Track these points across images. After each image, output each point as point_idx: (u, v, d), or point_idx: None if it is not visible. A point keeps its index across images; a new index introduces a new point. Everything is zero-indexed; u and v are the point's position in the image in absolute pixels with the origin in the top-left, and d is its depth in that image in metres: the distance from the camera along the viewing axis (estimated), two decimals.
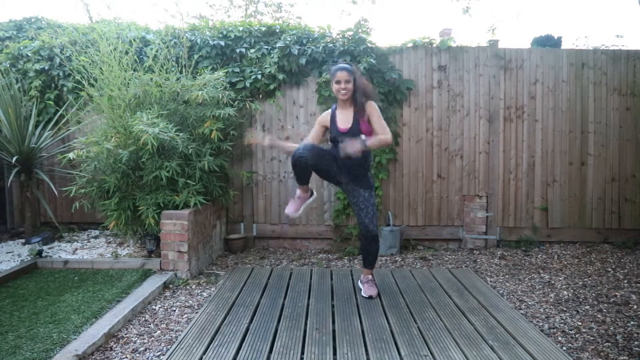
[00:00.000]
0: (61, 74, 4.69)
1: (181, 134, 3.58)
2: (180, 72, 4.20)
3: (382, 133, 2.89)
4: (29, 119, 4.50)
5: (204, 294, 3.28)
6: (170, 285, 3.43)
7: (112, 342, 2.49)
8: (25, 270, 3.54)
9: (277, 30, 4.66)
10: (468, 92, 4.61)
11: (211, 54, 4.52)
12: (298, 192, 3.07)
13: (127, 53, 3.94)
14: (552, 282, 3.55)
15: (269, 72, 4.44)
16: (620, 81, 4.58)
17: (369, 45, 4.48)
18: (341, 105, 2.95)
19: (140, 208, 3.61)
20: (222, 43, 4.51)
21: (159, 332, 2.64)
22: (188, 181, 3.68)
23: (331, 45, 4.47)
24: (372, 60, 4.33)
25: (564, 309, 2.99)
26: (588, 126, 4.61)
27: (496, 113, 4.61)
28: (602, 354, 2.35)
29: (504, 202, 4.65)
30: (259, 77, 4.47)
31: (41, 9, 15.07)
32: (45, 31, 4.98)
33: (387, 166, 4.60)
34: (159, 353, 2.37)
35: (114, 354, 2.36)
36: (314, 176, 2.99)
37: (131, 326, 2.70)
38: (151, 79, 3.84)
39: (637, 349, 2.41)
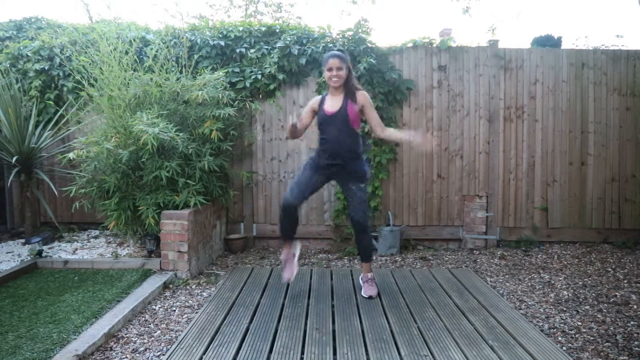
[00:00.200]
0: (61, 74, 4.69)
1: (181, 134, 3.58)
2: (180, 72, 4.20)
3: (381, 124, 3.03)
4: (29, 119, 4.50)
5: (204, 294, 3.28)
6: (170, 285, 3.43)
7: (112, 342, 2.49)
8: (25, 270, 3.54)
9: (277, 30, 4.66)
10: (468, 92, 4.61)
11: (211, 54, 4.52)
12: (284, 254, 3.20)
13: (127, 53, 3.94)
14: (552, 282, 3.55)
15: (269, 72, 4.44)
16: (620, 81, 4.58)
17: (369, 45, 4.48)
18: (332, 92, 2.99)
19: (140, 208, 3.61)
20: (222, 43, 4.51)
21: (159, 332, 2.64)
22: (188, 181, 3.68)
23: (331, 45, 4.47)
24: (372, 60, 4.33)
25: (564, 309, 2.99)
26: (588, 126, 4.61)
27: (496, 113, 4.61)
28: (602, 354, 2.35)
29: (504, 202, 4.65)
30: (259, 77, 4.47)
31: (41, 9, 15.09)
32: (45, 31, 4.98)
33: (387, 166, 4.60)
34: (159, 353, 2.37)
35: (114, 354, 2.36)
36: None
37: (131, 326, 2.70)
38: (151, 79, 3.84)
39: (637, 349, 2.41)
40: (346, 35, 4.55)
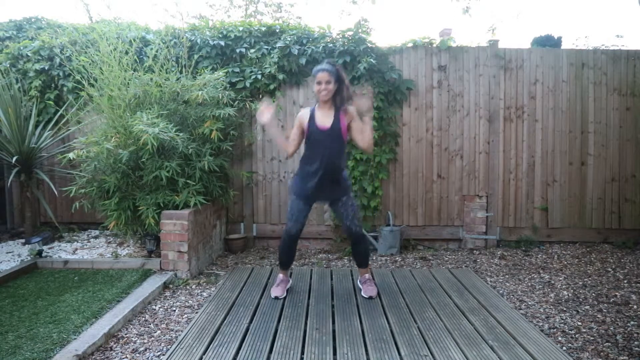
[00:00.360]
0: (61, 74, 4.69)
1: (181, 134, 3.58)
2: (180, 72, 4.21)
3: (368, 137, 2.89)
4: (29, 119, 4.50)
5: (204, 294, 3.28)
6: (170, 285, 3.43)
7: (112, 342, 2.49)
8: (25, 270, 3.54)
9: (277, 30, 4.66)
10: (468, 92, 4.61)
11: (211, 54, 4.52)
12: (280, 276, 3.24)
13: (127, 53, 3.94)
14: (552, 282, 3.55)
15: (269, 72, 4.44)
16: (620, 81, 4.58)
17: (369, 45, 4.48)
18: (321, 106, 2.94)
19: (140, 208, 3.61)
20: (222, 43, 4.51)
21: (159, 332, 2.64)
22: (188, 181, 3.68)
23: (331, 45, 4.47)
24: (372, 60, 4.33)
25: (564, 309, 2.99)
26: (588, 126, 4.61)
27: (496, 113, 4.61)
28: (602, 354, 2.35)
29: (504, 202, 4.65)
30: (259, 77, 4.47)
31: (41, 9, 15.09)
32: (45, 31, 4.98)
33: (387, 166, 4.60)
34: (159, 353, 2.37)
35: (114, 354, 2.36)
36: None
37: (131, 326, 2.70)
38: (151, 79, 3.84)
39: (637, 349, 2.41)
40: (346, 35, 4.54)
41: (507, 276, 3.72)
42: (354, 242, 3.12)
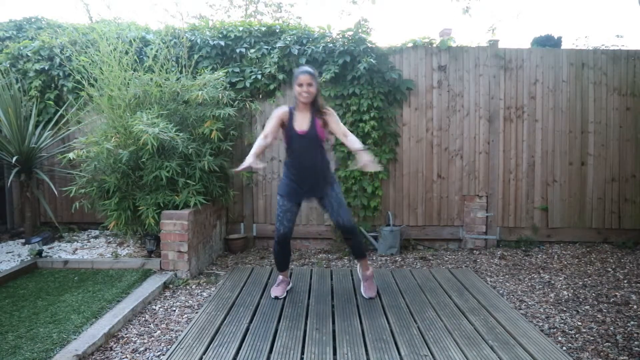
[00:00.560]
0: (61, 74, 4.69)
1: (181, 134, 3.58)
2: (180, 72, 4.21)
3: (345, 133, 2.90)
4: (29, 119, 4.50)
5: (204, 294, 3.28)
6: (170, 285, 3.43)
7: (112, 342, 2.49)
8: (25, 270, 3.54)
9: (277, 30, 4.66)
10: (468, 92, 4.61)
11: (211, 54, 4.52)
12: (280, 276, 3.23)
13: (127, 53, 3.94)
14: (552, 282, 3.55)
15: (269, 72, 4.44)
16: (620, 81, 4.58)
17: (369, 45, 4.48)
18: (299, 108, 2.94)
19: (140, 208, 3.61)
20: (222, 43, 4.51)
21: (159, 332, 2.64)
22: (188, 181, 3.68)
23: (331, 45, 4.47)
24: (372, 60, 4.33)
25: (564, 309, 2.99)
26: (588, 126, 4.61)
27: (496, 113, 4.61)
28: (602, 354, 2.35)
29: (504, 202, 4.65)
30: (259, 77, 4.47)
31: (41, 9, 15.08)
32: (45, 31, 4.98)
33: (387, 166, 4.60)
34: (159, 353, 2.37)
35: (114, 354, 2.36)
36: None
37: (131, 326, 2.70)
38: (151, 79, 3.84)
39: (637, 349, 2.41)
40: (346, 35, 4.54)
41: (507, 276, 3.72)
42: (344, 235, 3.07)
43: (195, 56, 4.42)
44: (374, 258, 4.31)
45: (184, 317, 2.86)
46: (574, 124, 4.61)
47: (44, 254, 3.88)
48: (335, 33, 4.61)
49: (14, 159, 4.25)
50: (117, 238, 4.53)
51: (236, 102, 4.37)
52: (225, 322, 2.70)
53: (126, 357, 2.32)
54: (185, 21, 8.71)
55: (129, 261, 3.68)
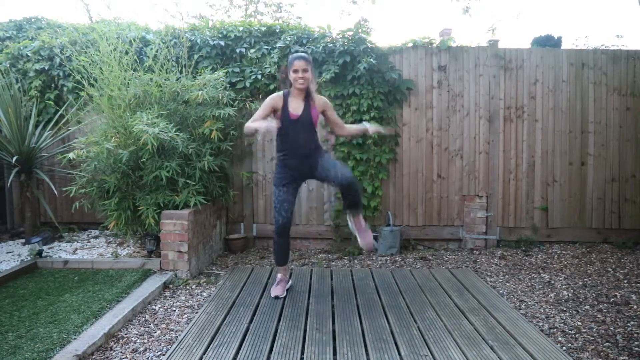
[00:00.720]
0: (61, 74, 4.69)
1: (181, 134, 3.58)
2: (180, 72, 4.21)
3: (340, 124, 3.17)
4: (29, 119, 4.50)
5: (204, 294, 3.28)
6: (170, 285, 3.43)
7: (112, 342, 2.49)
8: (25, 270, 3.54)
9: (277, 30, 4.66)
10: (468, 92, 4.61)
11: (211, 54, 4.52)
12: (280, 275, 3.23)
13: (127, 53, 3.94)
14: (552, 282, 3.55)
15: (269, 72, 4.44)
16: (620, 81, 4.58)
17: (369, 45, 4.48)
18: (294, 94, 2.95)
19: (140, 208, 3.61)
20: (222, 43, 4.51)
21: (159, 332, 2.64)
22: (188, 181, 3.68)
23: (331, 45, 4.47)
24: (372, 60, 4.33)
25: (564, 309, 2.99)
26: (588, 126, 4.61)
27: (496, 113, 4.61)
28: (602, 354, 2.35)
29: (504, 202, 4.65)
30: (259, 77, 4.47)
31: (41, 9, 15.09)
32: (45, 31, 4.98)
33: (387, 166, 4.60)
34: (159, 353, 2.37)
35: (114, 354, 2.36)
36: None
37: (131, 326, 2.70)
38: (151, 79, 3.84)
39: (637, 349, 2.41)
40: (346, 35, 4.54)
41: (507, 276, 3.72)
42: (348, 190, 2.92)
43: (195, 56, 4.42)
44: (374, 258, 4.31)
45: (184, 317, 2.86)
46: (574, 124, 4.61)
47: (44, 254, 3.88)
48: (335, 33, 4.61)
49: (14, 159, 4.25)
50: (117, 238, 4.53)
51: (236, 102, 4.37)
52: (225, 322, 2.70)
53: (126, 357, 2.32)
54: (185, 21, 8.72)
55: (129, 261, 3.68)
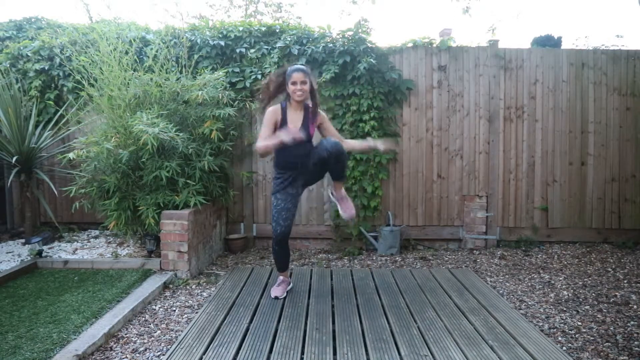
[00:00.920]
0: (61, 74, 4.69)
1: (181, 134, 3.58)
2: (180, 72, 4.21)
3: (340, 138, 3.06)
4: (29, 119, 4.50)
5: (204, 294, 3.28)
6: (170, 285, 3.43)
7: (112, 342, 2.49)
8: (25, 270, 3.54)
9: (277, 30, 4.66)
10: (468, 92, 4.61)
11: (211, 54, 4.52)
12: (281, 277, 3.23)
13: (127, 53, 3.94)
14: (552, 282, 3.55)
15: (269, 72, 4.43)
16: (620, 81, 4.58)
17: (369, 45, 4.48)
18: (293, 106, 2.95)
19: (140, 208, 3.61)
20: (222, 43, 4.51)
21: (159, 332, 2.64)
22: (188, 181, 3.68)
23: (331, 45, 4.47)
24: (372, 60, 4.33)
25: (564, 309, 2.99)
26: (588, 126, 4.61)
27: (496, 113, 4.61)
28: (602, 354, 2.35)
29: (504, 202, 4.65)
30: (259, 77, 4.47)
31: (41, 9, 15.07)
32: (45, 31, 4.98)
33: (387, 166, 4.60)
34: (159, 353, 2.37)
35: (114, 354, 2.36)
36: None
37: (131, 326, 2.70)
38: (151, 79, 3.84)
39: (637, 349, 2.41)
40: (346, 35, 4.54)
41: (507, 276, 3.72)
42: (335, 159, 2.82)
43: (195, 56, 4.42)
44: (374, 258, 4.31)
45: (184, 317, 2.86)
46: (574, 124, 4.61)
47: (44, 254, 3.88)
48: (335, 33, 4.61)
49: (14, 159, 4.25)
50: (117, 238, 4.53)
51: (236, 102, 4.36)
52: (225, 322, 2.70)
53: (126, 357, 2.32)
54: (185, 21, 8.72)
55: (129, 261, 3.68)
